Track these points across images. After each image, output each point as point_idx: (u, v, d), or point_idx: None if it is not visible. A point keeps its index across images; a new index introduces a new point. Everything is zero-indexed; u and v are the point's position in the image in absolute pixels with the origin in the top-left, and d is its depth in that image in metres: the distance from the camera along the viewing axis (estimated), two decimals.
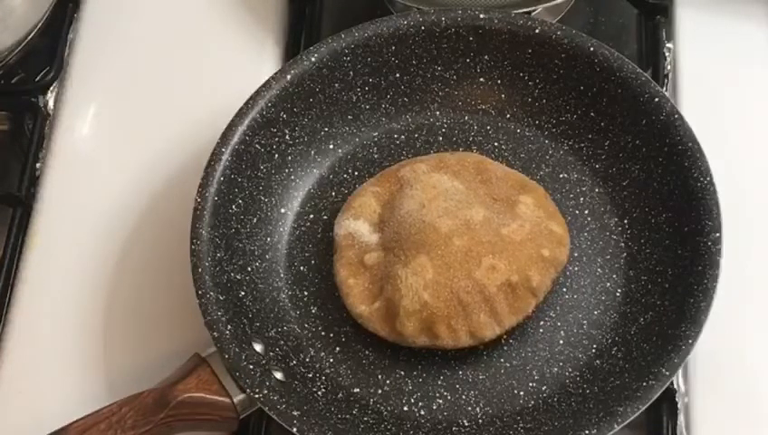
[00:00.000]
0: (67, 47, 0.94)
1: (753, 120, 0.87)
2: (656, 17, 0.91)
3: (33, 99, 0.91)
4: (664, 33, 0.90)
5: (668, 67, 0.89)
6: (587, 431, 0.67)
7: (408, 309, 0.73)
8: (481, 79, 0.83)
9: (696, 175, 0.74)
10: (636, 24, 0.93)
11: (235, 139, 0.78)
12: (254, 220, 0.79)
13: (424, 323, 0.73)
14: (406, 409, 0.74)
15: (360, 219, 0.78)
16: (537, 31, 0.80)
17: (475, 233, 0.74)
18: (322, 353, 0.76)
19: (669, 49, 0.90)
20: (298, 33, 0.94)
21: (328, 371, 0.75)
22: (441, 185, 0.77)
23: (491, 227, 0.74)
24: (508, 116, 0.83)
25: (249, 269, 0.78)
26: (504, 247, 0.74)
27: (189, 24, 0.94)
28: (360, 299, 0.75)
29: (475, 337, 0.73)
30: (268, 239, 0.80)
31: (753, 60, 0.89)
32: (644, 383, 0.69)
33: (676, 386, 0.75)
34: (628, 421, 0.67)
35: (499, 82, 0.83)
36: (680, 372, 0.75)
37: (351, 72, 0.82)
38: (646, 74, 0.78)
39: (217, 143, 0.78)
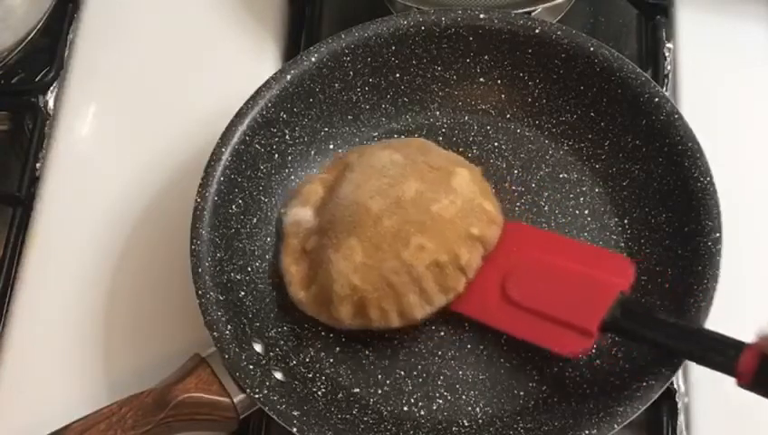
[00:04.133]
0: (67, 47, 0.94)
1: (753, 119, 0.87)
2: (656, 17, 0.91)
3: (33, 99, 0.91)
4: (664, 33, 0.90)
5: (668, 67, 0.89)
6: (587, 431, 0.67)
7: (340, 294, 0.73)
8: (481, 79, 0.83)
9: (696, 175, 0.74)
10: (636, 24, 0.93)
11: (235, 139, 0.78)
12: (255, 220, 0.79)
13: (356, 306, 0.73)
14: (406, 409, 0.74)
15: (306, 206, 0.78)
16: (537, 31, 0.80)
17: (404, 212, 0.73)
18: (322, 353, 0.76)
19: (669, 49, 0.90)
20: (298, 34, 0.94)
21: (328, 371, 0.75)
22: (379, 162, 0.77)
23: (421, 204, 0.74)
24: (508, 116, 0.83)
25: (249, 269, 0.78)
26: (432, 226, 0.73)
27: (189, 25, 0.94)
28: (299, 285, 0.76)
29: (406, 318, 0.73)
30: (268, 239, 0.80)
31: (753, 60, 0.89)
32: (644, 383, 0.68)
33: (676, 386, 0.75)
34: (628, 421, 0.67)
35: (499, 82, 0.83)
36: (680, 372, 0.75)
37: (351, 72, 0.82)
38: (646, 74, 0.78)
39: (217, 143, 0.78)
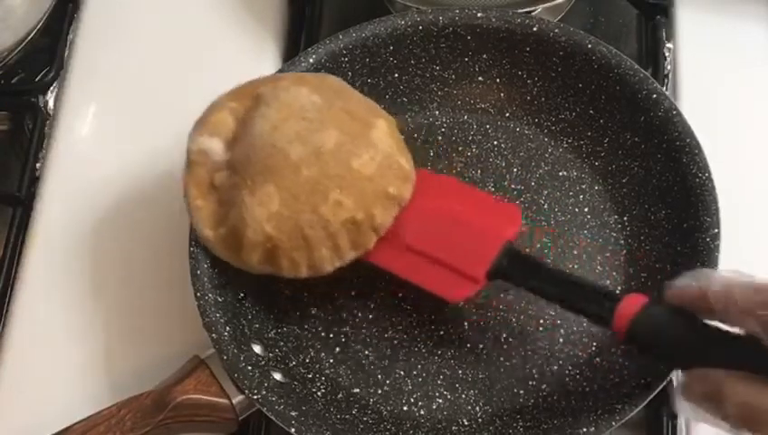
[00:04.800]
0: (67, 47, 0.94)
1: (752, 119, 0.87)
2: (656, 17, 0.91)
3: (33, 99, 0.92)
4: (664, 33, 0.90)
5: (668, 67, 0.88)
6: (586, 429, 0.67)
7: (252, 240, 0.71)
8: (479, 78, 0.83)
9: (694, 171, 0.74)
10: (636, 24, 0.93)
11: None
12: None
13: (267, 254, 0.72)
14: (406, 409, 0.74)
15: (215, 137, 0.75)
16: (535, 29, 0.80)
17: (324, 164, 0.72)
18: (322, 354, 0.76)
19: (669, 49, 0.89)
20: (297, 34, 0.94)
21: (328, 371, 0.75)
22: (297, 101, 0.74)
23: (342, 157, 0.72)
24: (507, 114, 0.83)
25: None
26: (352, 183, 0.72)
27: (189, 24, 0.94)
28: (206, 222, 0.74)
29: (315, 270, 0.72)
30: None
31: (753, 60, 0.89)
32: (643, 382, 0.68)
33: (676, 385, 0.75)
34: (626, 419, 0.67)
35: (498, 80, 0.83)
36: (680, 371, 0.75)
37: (350, 73, 0.82)
38: (644, 71, 0.78)
39: None
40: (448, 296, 0.72)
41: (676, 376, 0.75)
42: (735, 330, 0.62)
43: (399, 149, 0.75)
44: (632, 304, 0.66)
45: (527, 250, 0.77)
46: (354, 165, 0.72)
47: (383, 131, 0.74)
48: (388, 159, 0.73)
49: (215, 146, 0.75)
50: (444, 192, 0.76)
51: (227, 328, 0.72)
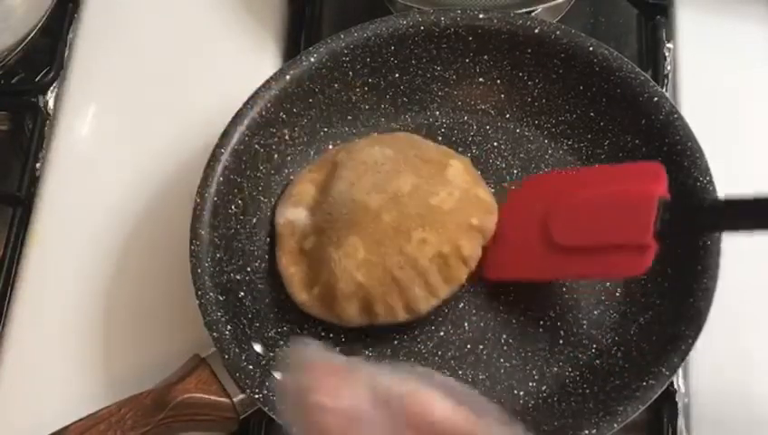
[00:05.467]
0: (67, 47, 0.94)
1: (752, 119, 0.87)
2: (656, 17, 0.91)
3: (33, 99, 0.91)
4: (664, 33, 0.90)
5: (668, 67, 0.88)
6: (587, 431, 0.67)
7: (345, 292, 0.73)
8: (480, 79, 0.83)
9: (695, 174, 0.74)
10: (636, 24, 0.93)
11: (235, 139, 0.78)
12: (254, 221, 0.79)
13: (361, 303, 0.73)
14: None
15: (299, 207, 0.78)
16: (536, 31, 0.80)
17: (403, 206, 0.73)
18: None
19: (669, 49, 0.89)
20: (298, 34, 0.94)
21: None
22: (371, 158, 0.76)
23: (420, 197, 0.74)
24: (507, 116, 0.83)
25: (249, 269, 0.78)
26: (433, 219, 0.73)
27: (189, 25, 0.94)
28: (300, 286, 0.76)
29: (412, 311, 0.73)
30: (268, 240, 0.79)
31: (753, 60, 0.89)
32: (644, 383, 0.68)
33: (676, 386, 0.75)
34: (627, 421, 0.68)
35: (498, 82, 0.83)
36: (680, 371, 0.75)
37: (351, 73, 0.82)
38: (645, 74, 0.78)
39: (217, 143, 0.78)
40: (627, 273, 0.71)
41: (677, 377, 0.75)
42: None
43: (476, 184, 0.77)
44: None
45: None
46: (433, 202, 0.74)
47: (458, 169, 0.76)
48: (466, 193, 0.75)
49: (299, 215, 0.77)
50: (571, 182, 0.76)
51: (228, 327, 0.72)
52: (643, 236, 0.68)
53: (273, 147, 0.81)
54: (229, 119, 0.78)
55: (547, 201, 0.75)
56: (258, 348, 0.74)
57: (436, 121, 0.84)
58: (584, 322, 0.75)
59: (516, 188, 0.79)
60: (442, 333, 0.76)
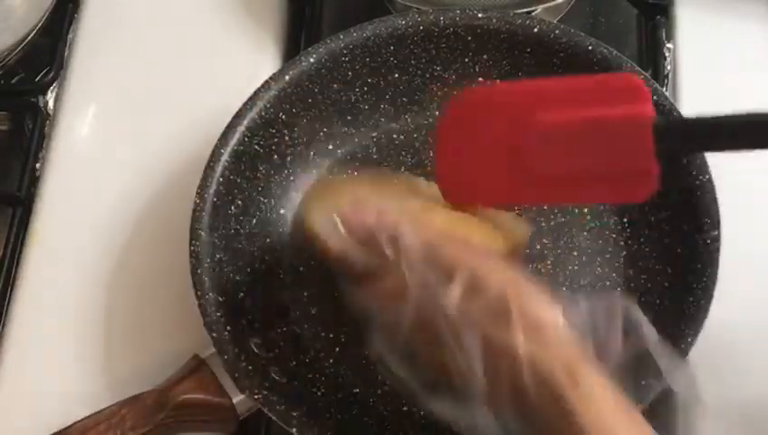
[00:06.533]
0: (67, 47, 0.94)
1: None
2: (656, 17, 0.91)
3: (33, 99, 0.92)
4: (664, 33, 0.90)
5: (668, 67, 0.89)
6: None
7: None
8: (480, 78, 0.83)
9: (694, 173, 0.74)
10: (636, 24, 0.93)
11: (235, 139, 0.78)
12: (254, 221, 0.79)
13: None
14: (406, 409, 0.74)
15: None
16: (536, 30, 0.80)
17: None
18: (322, 354, 0.76)
19: (669, 49, 0.89)
20: (297, 34, 0.94)
21: (328, 371, 0.75)
22: None
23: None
24: None
25: (249, 270, 0.78)
26: None
27: (189, 25, 0.94)
28: None
29: None
30: (267, 240, 0.80)
31: (753, 60, 0.89)
32: (643, 383, 0.69)
33: None
34: None
35: (498, 81, 0.83)
36: None
37: (350, 73, 0.82)
38: (645, 73, 0.78)
39: (217, 144, 0.78)
40: (631, 198, 0.67)
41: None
42: None
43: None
44: None
45: (527, 252, 0.77)
46: None
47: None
48: None
49: None
50: (536, 102, 0.66)
51: (228, 328, 0.72)
52: (646, 162, 0.62)
53: (273, 147, 0.81)
54: (229, 119, 0.78)
55: (511, 122, 0.66)
56: (258, 349, 0.74)
57: (437, 122, 0.84)
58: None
59: (458, 98, 0.71)
60: None
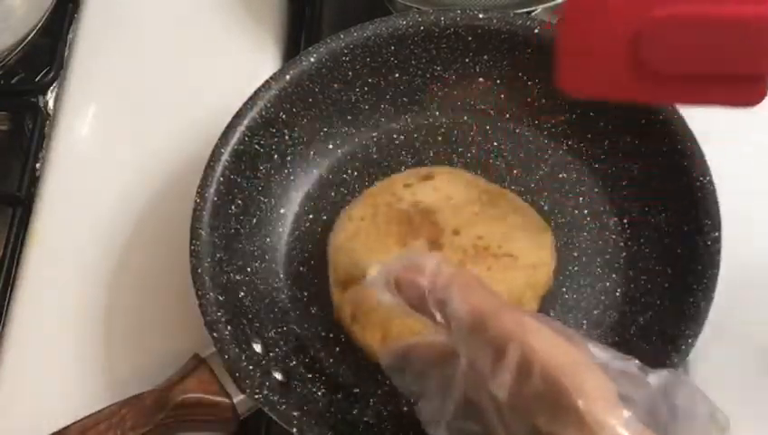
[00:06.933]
0: (67, 47, 0.94)
1: (752, 119, 0.86)
2: None
3: (33, 99, 0.92)
4: None
5: None
6: None
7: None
8: (480, 79, 0.83)
9: (695, 174, 0.74)
10: None
11: (235, 139, 0.78)
12: (254, 221, 0.79)
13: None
14: (406, 409, 0.74)
15: None
16: (537, 31, 0.80)
17: None
18: (322, 353, 0.76)
19: None
20: (298, 34, 0.94)
21: (328, 371, 0.75)
22: None
23: None
24: (507, 116, 0.83)
25: (249, 270, 0.78)
26: None
27: (189, 25, 0.94)
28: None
29: None
30: (268, 240, 0.80)
31: None
32: None
33: None
34: None
35: (498, 82, 0.83)
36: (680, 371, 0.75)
37: (351, 73, 0.82)
38: None
39: (217, 144, 0.78)
40: (740, 105, 0.62)
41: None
42: None
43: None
44: None
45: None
46: None
47: None
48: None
49: None
50: None
51: (228, 327, 0.72)
52: (760, 66, 0.59)
53: (273, 147, 0.81)
54: (229, 119, 0.78)
55: (634, 13, 0.62)
56: (258, 348, 0.74)
57: (436, 122, 0.84)
58: (584, 321, 0.75)
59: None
60: None
